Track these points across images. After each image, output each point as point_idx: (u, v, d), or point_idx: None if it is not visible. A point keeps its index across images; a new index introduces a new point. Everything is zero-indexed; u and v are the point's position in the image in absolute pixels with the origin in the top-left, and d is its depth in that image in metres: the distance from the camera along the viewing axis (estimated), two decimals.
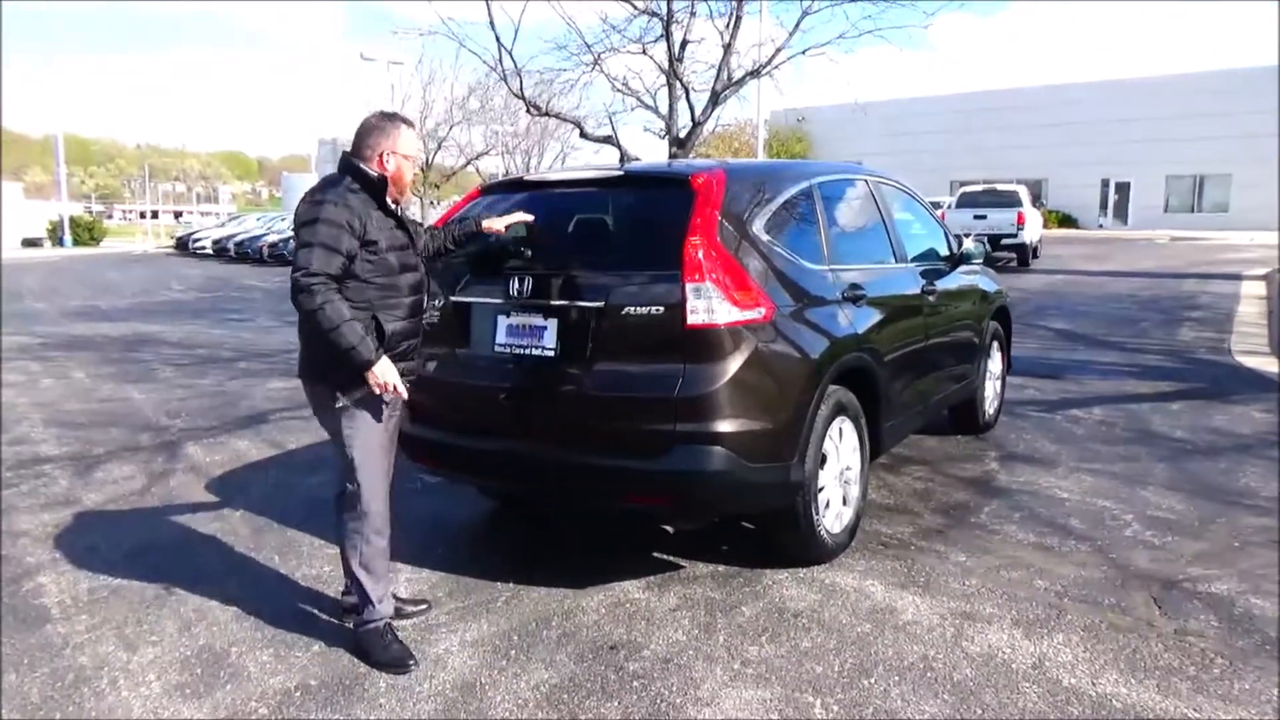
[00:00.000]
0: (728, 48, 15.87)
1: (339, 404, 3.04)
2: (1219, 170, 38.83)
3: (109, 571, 3.92)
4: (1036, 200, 26.57)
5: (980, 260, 5.37)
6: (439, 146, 35.60)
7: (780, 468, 3.47)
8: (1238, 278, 16.83)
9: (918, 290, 4.74)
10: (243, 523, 4.55)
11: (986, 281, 5.89)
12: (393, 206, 3.08)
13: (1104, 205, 41.71)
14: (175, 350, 10.55)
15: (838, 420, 3.83)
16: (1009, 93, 44.05)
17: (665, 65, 16.24)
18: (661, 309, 3.34)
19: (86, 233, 46.30)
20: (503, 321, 3.70)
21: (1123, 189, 41.25)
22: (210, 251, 33.10)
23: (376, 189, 3.02)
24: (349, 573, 3.18)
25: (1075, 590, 3.60)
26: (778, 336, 3.48)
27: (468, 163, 39.40)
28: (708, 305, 3.27)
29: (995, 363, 6.13)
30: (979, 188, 21.82)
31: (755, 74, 16.32)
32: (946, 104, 45.07)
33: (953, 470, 5.25)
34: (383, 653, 3.10)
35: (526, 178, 4.18)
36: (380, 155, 3.06)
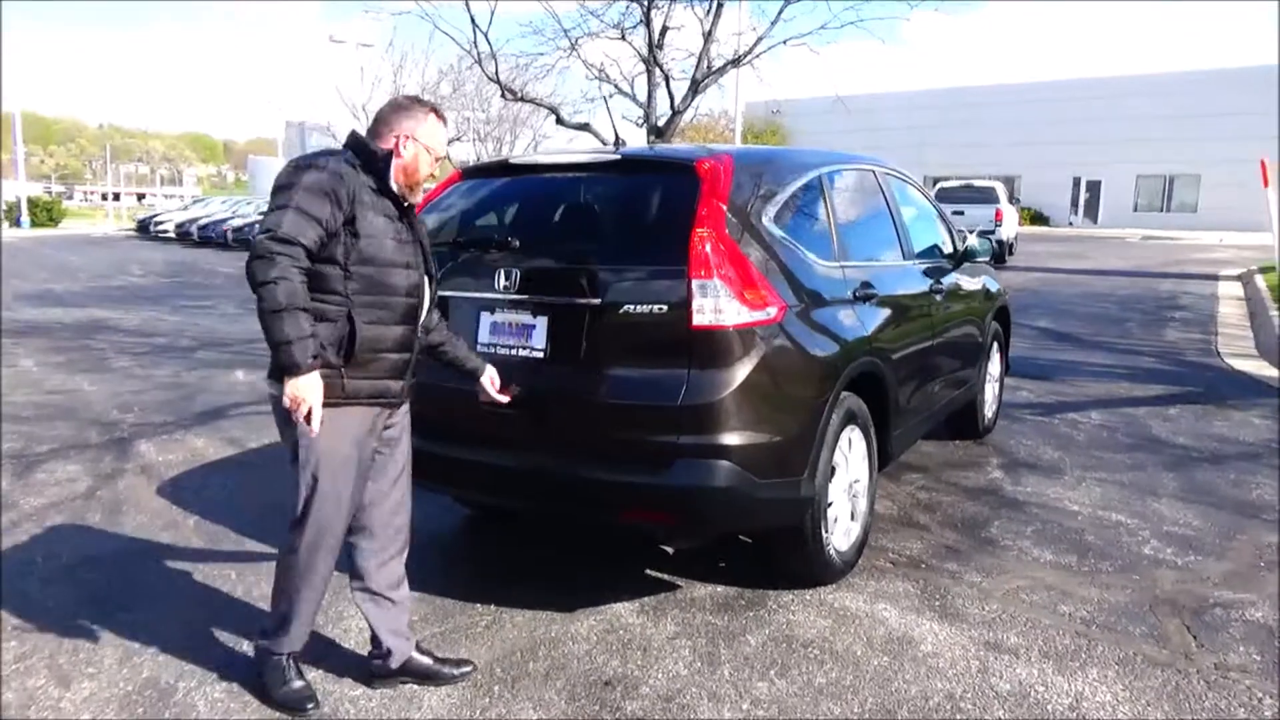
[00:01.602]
0: (709, 35, 15.55)
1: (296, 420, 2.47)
2: (1188, 171, 39.14)
3: (42, 590, 3.54)
4: (1012, 198, 26.54)
5: (986, 258, 5.10)
6: None
7: (790, 483, 3.17)
8: (1214, 278, 16.82)
9: (926, 289, 4.46)
10: (197, 533, 4.18)
11: (989, 280, 5.64)
12: (397, 191, 2.60)
13: (1075, 203, 41.92)
14: (131, 338, 10.06)
15: (847, 429, 3.54)
16: (982, 89, 44.12)
17: (644, 52, 15.89)
18: (664, 308, 3.03)
19: (45, 214, 45.02)
20: (486, 318, 3.37)
21: (1094, 187, 41.47)
22: (173, 235, 32.23)
23: (378, 166, 2.56)
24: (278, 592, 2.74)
25: (1102, 617, 3.34)
26: (789, 339, 3.17)
27: None
28: (715, 304, 2.96)
29: (995, 364, 5.89)
30: (956, 184, 21.71)
31: (736, 63, 16.01)
32: (920, 99, 45.05)
33: (956, 479, 4.99)
34: (279, 689, 2.71)
35: (512, 160, 3.84)
36: (397, 137, 2.60)
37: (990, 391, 5.81)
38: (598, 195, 3.54)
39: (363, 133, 2.66)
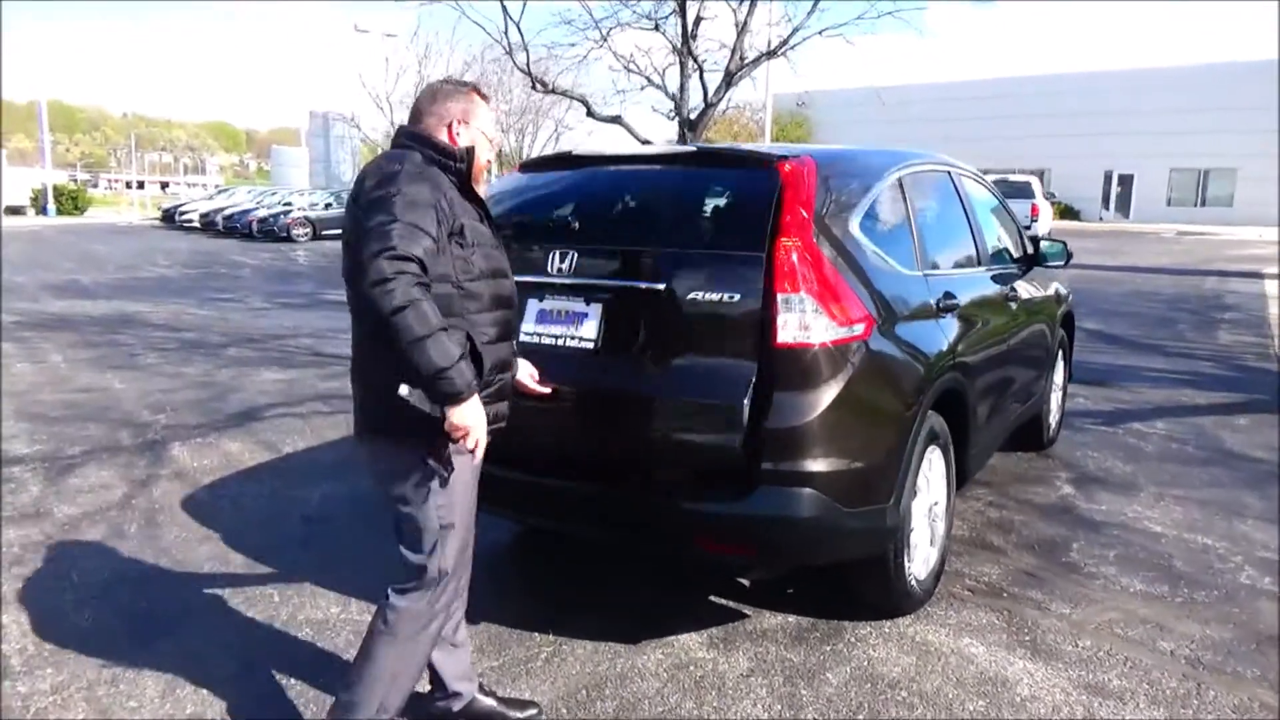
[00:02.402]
0: (743, 26, 15.29)
1: (433, 466, 2.23)
2: (1224, 164, 38.40)
3: (80, 611, 3.36)
4: (1047, 192, 26.10)
5: (1061, 262, 4.83)
6: None
7: (876, 511, 2.94)
8: (1258, 276, 16.42)
9: (1002, 296, 4.21)
10: (235, 548, 3.99)
11: (1059, 284, 5.37)
12: (478, 192, 2.38)
13: (1106, 198, 41.26)
14: (160, 333, 9.94)
15: (929, 449, 3.31)
16: (1011, 81, 43.46)
17: (677, 43, 15.64)
18: (743, 323, 2.80)
19: (70, 202, 45.23)
20: (533, 306, 3.14)
21: (1126, 181, 40.79)
22: (197, 225, 32.25)
23: (457, 165, 2.30)
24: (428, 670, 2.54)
25: (1208, 656, 3.10)
26: (876, 356, 2.94)
27: None
28: (801, 320, 2.73)
29: (1059, 373, 5.62)
30: (991, 178, 21.33)
31: (771, 54, 15.75)
32: (946, 91, 44.44)
33: (1025, 495, 4.74)
34: None
35: (576, 152, 3.60)
36: (449, 125, 2.33)
37: (1054, 401, 5.55)
38: (667, 197, 3.30)
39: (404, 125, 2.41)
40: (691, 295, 2.83)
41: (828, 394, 2.76)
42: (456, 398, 2.08)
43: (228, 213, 30.46)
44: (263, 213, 28.47)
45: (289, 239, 26.85)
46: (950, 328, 3.46)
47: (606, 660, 3.04)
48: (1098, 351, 8.96)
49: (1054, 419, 5.59)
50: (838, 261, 2.89)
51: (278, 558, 3.88)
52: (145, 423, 6.08)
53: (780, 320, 2.72)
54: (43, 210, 43.42)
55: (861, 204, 3.16)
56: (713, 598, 3.50)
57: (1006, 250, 4.69)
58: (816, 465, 2.75)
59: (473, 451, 2.18)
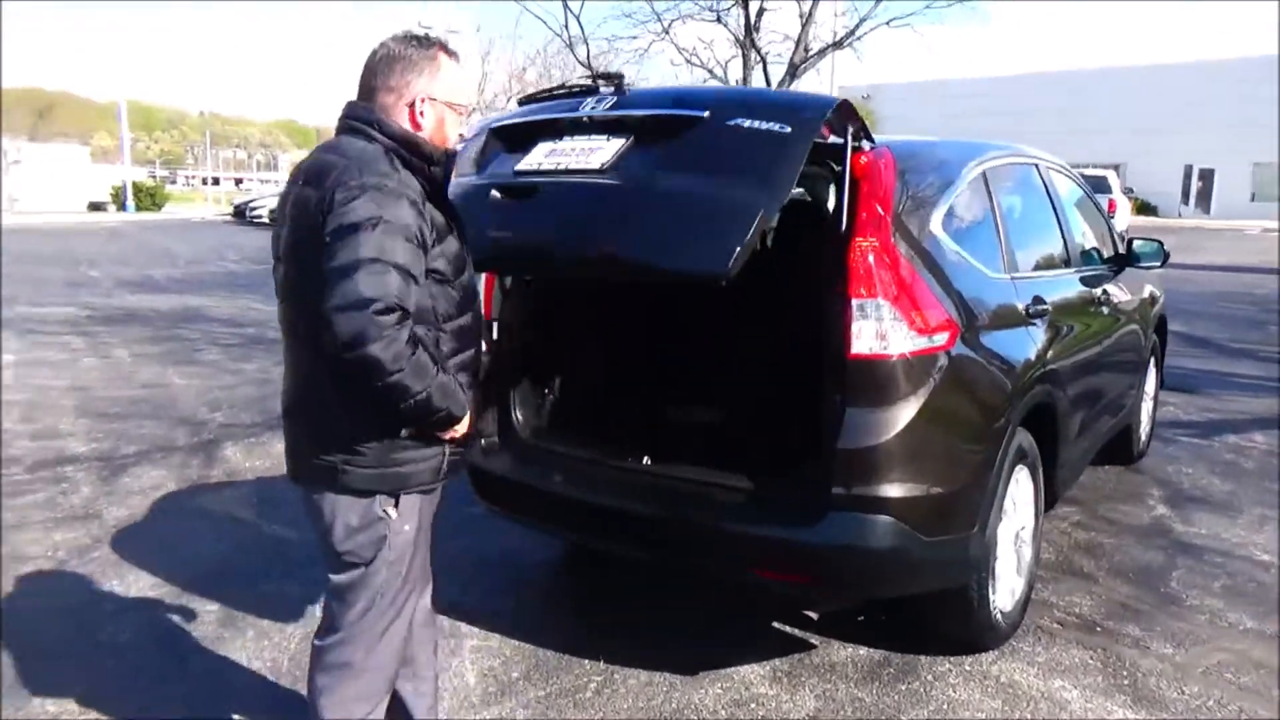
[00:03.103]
0: (808, 17, 14.92)
1: (383, 514, 1.99)
2: None
3: (112, 641, 3.20)
4: (1125, 187, 25.11)
5: (1157, 263, 4.45)
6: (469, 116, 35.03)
7: (959, 540, 2.67)
8: None
9: (1093, 300, 3.88)
10: (278, 556, 3.87)
11: (1153, 285, 4.98)
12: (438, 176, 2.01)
13: (1186, 193, 39.63)
14: (223, 328, 9.99)
15: (1016, 469, 3.02)
16: (1084, 73, 41.98)
17: (740, 35, 15.35)
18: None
19: (148, 198, 46.51)
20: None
21: (1206, 176, 39.13)
22: (266, 220, 32.80)
23: (430, 167, 1.94)
24: None
25: None
26: (961, 369, 2.67)
27: None
28: (878, 329, 2.47)
29: (1151, 381, 5.24)
30: None
31: (837, 45, 15.35)
32: (1015, 84, 43.09)
33: (1114, 514, 4.39)
34: None
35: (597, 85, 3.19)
36: (412, 104, 1.95)
37: (1145, 411, 5.17)
38: None
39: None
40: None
41: (906, 411, 2.50)
42: (456, 421, 1.94)
43: None
44: None
45: None
46: (1040, 335, 3.16)
47: (661, 694, 2.82)
48: (1184, 355, 8.45)
49: (1144, 430, 5.21)
50: (918, 263, 2.62)
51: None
52: (201, 421, 6.04)
53: (855, 329, 2.47)
54: (122, 206, 44.75)
55: (943, 200, 2.88)
56: (776, 624, 3.26)
57: (1096, 250, 4.34)
58: (893, 490, 2.49)
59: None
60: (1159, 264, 4.44)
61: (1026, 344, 3.04)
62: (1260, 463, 5.23)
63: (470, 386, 2.05)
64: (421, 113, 1.95)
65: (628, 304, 3.62)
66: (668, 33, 15.69)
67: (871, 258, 2.49)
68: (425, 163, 1.92)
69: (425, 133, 1.95)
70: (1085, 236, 4.18)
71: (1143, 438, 5.17)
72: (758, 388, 3.46)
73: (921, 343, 2.53)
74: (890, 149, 2.76)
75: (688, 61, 16.07)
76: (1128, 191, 26.14)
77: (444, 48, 1.99)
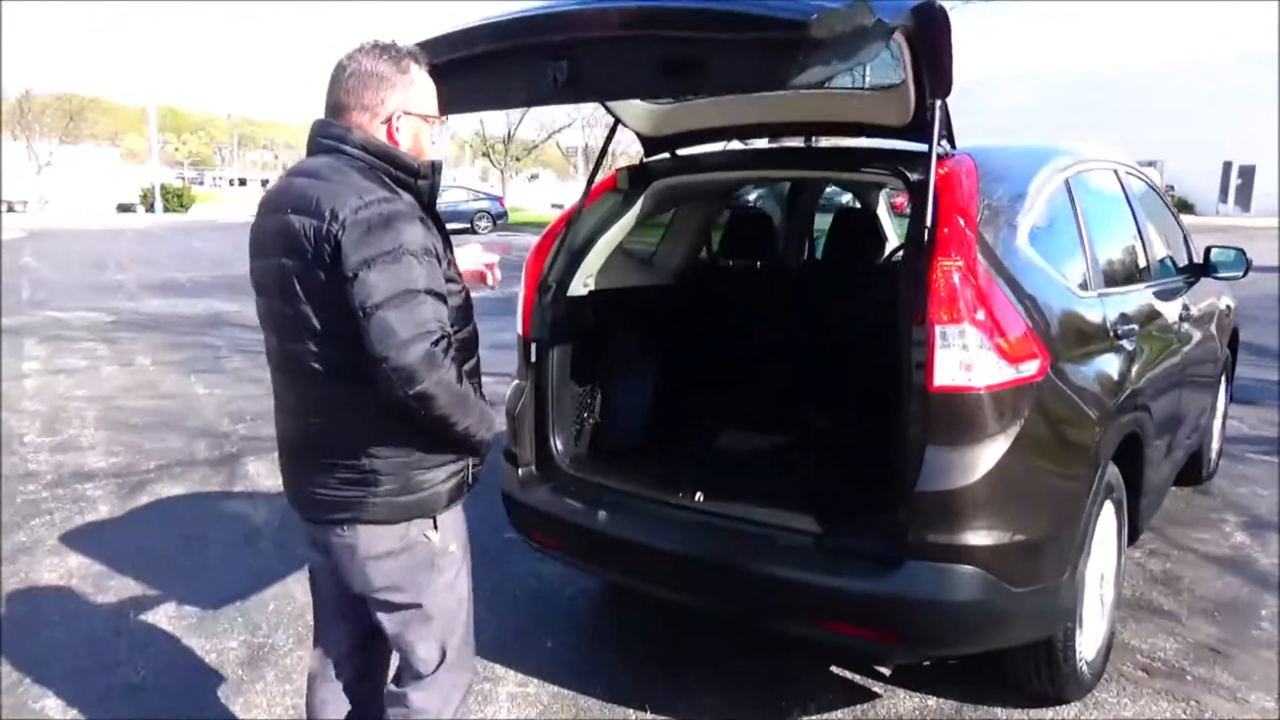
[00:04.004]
0: None
1: (435, 543, 1.90)
2: None
3: (125, 682, 3.00)
4: (1166, 185, 24.49)
5: (1239, 272, 4.14)
6: (521, 119, 34.96)
7: (1049, 590, 2.41)
8: None
9: (1176, 317, 3.59)
10: (302, 580, 3.66)
11: (1226, 296, 4.68)
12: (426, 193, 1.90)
13: (1225, 190, 38.79)
14: (248, 334, 9.82)
15: (1104, 506, 2.75)
16: (1116, 69, 41.23)
17: None
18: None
19: (176, 200, 46.91)
20: None
21: (1246, 173, 38.27)
22: None
23: (419, 183, 1.84)
24: None
25: None
26: (1052, 401, 2.41)
27: (549, 136, 38.66)
28: (964, 359, 2.22)
29: (1222, 397, 4.93)
30: None
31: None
32: (1044, 80, 42.36)
33: (1190, 542, 4.10)
34: None
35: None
36: (390, 120, 1.83)
37: (1215, 428, 4.86)
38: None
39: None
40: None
41: (994, 450, 2.24)
42: (489, 442, 1.90)
43: None
44: None
45: None
46: (1128, 358, 2.89)
47: None
48: (1243, 363, 8.05)
49: (1215, 449, 4.90)
50: (1005, 285, 2.36)
51: None
52: (224, 433, 5.86)
53: (938, 358, 2.21)
54: (151, 208, 45.10)
55: (1029, 212, 2.62)
56: (836, 669, 3.01)
57: (1171, 258, 4.05)
58: (979, 538, 2.24)
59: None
60: (1240, 274, 4.14)
61: (1115, 369, 2.77)
62: None
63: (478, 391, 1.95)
64: (398, 128, 1.85)
65: (680, 320, 3.38)
66: None
67: (956, 278, 2.23)
68: (411, 177, 1.83)
69: (403, 148, 1.85)
70: (1163, 245, 3.89)
71: (1213, 457, 4.87)
72: (826, 421, 3.22)
73: (1010, 373, 2.27)
74: (973, 156, 2.51)
75: None
76: (1169, 189, 25.49)
77: (415, 59, 1.88)
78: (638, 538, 2.65)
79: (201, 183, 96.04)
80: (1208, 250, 4.18)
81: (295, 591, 3.59)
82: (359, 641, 2.08)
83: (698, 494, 2.66)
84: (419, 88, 1.87)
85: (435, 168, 1.87)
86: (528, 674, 2.98)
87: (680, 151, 3.15)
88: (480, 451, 1.90)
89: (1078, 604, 2.56)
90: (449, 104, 2.01)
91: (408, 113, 1.84)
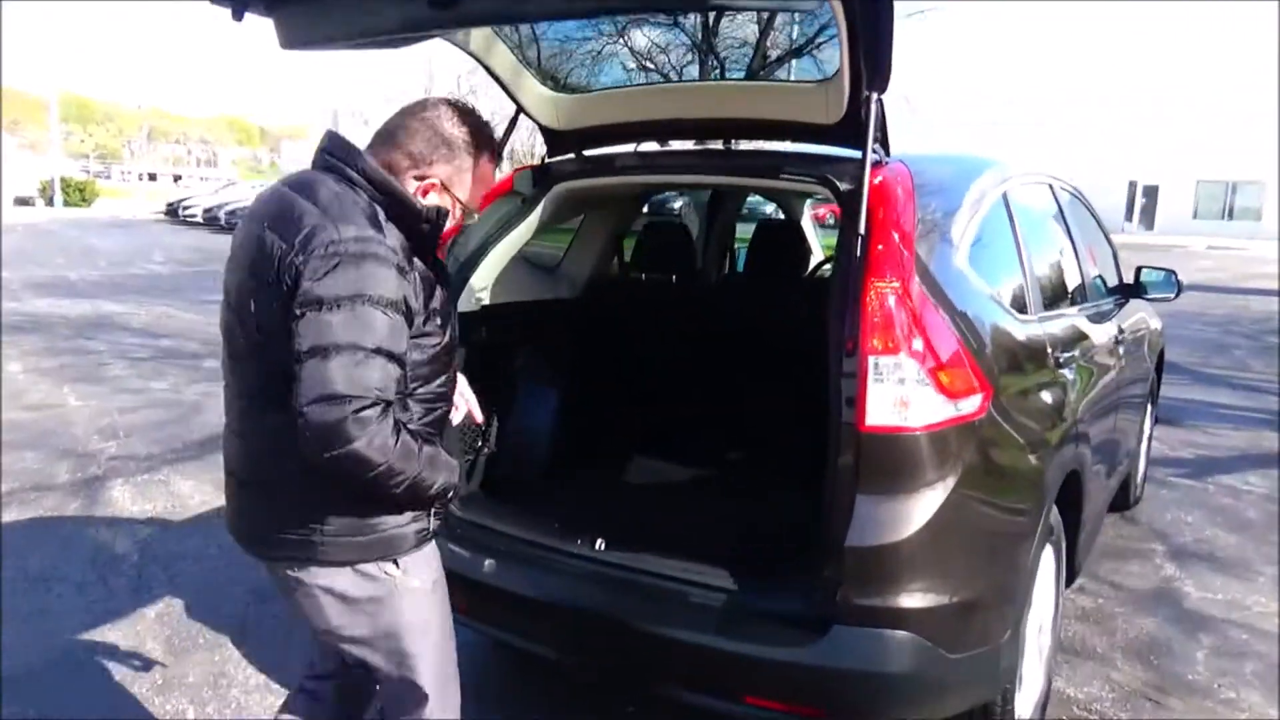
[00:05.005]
0: (767, 23, 14.47)
1: (397, 580, 1.73)
2: (1253, 176, 37.31)
3: None
4: None
5: (1171, 294, 4.00)
6: None
7: (990, 654, 2.15)
8: None
9: (1111, 340, 3.41)
10: (151, 633, 3.22)
11: (1149, 316, 4.55)
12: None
13: (1130, 209, 40.21)
14: (135, 339, 9.18)
15: (1044, 550, 2.51)
16: (1023, 84, 42.27)
17: (697, 39, 14.86)
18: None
19: (78, 193, 44.69)
20: None
21: (1151, 193, 39.76)
22: (200, 220, 31.53)
23: (423, 231, 1.69)
24: None
25: None
26: (995, 441, 2.15)
27: None
28: (900, 395, 1.94)
29: (1148, 420, 4.81)
30: None
31: (796, 54, 14.95)
32: (952, 94, 43.29)
33: (1118, 576, 3.93)
34: None
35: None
36: (425, 181, 1.70)
37: (1141, 452, 4.74)
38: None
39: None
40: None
41: (931, 499, 1.97)
42: (452, 487, 1.72)
43: (230, 208, 29.66)
44: None
45: None
46: (1068, 388, 2.67)
47: None
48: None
49: (1140, 473, 4.78)
50: (944, 309, 2.09)
51: (211, 643, 3.10)
52: (91, 452, 5.32)
53: (870, 393, 1.93)
54: (50, 201, 42.88)
55: (968, 228, 2.37)
56: None
57: (1102, 279, 3.88)
58: (914, 600, 1.96)
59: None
60: (1172, 295, 3.99)
61: (1057, 401, 2.55)
62: (1262, 510, 4.83)
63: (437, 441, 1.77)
64: (426, 192, 1.71)
65: (587, 338, 3.05)
66: (623, 36, 15.07)
67: (892, 302, 1.96)
68: (415, 220, 1.67)
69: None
70: (1094, 264, 3.72)
71: (1139, 482, 4.75)
72: (746, 456, 2.93)
73: (949, 411, 2.00)
74: (907, 165, 2.24)
75: (641, 67, 15.50)
76: None
77: (490, 150, 1.78)
78: (528, 592, 2.31)
79: (109, 177, 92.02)
80: (1138, 270, 4.03)
81: (147, 643, 3.15)
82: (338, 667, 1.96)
83: (599, 541, 2.34)
84: (474, 177, 1.76)
85: (440, 214, 1.69)
86: None
87: (587, 153, 2.83)
88: (438, 500, 1.71)
89: (1018, 664, 2.31)
90: (293, 38, 1.66)
91: (446, 189, 1.72)
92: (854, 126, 2.15)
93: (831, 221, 4.76)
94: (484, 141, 1.75)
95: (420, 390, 1.71)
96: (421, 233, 1.68)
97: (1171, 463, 5.67)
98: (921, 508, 1.96)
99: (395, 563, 1.71)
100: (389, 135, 1.72)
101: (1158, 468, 5.45)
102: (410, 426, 1.63)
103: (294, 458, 1.55)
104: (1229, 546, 4.30)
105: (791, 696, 2.04)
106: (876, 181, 2.12)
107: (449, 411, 1.85)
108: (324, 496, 1.64)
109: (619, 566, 2.27)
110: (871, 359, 1.93)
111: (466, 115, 1.73)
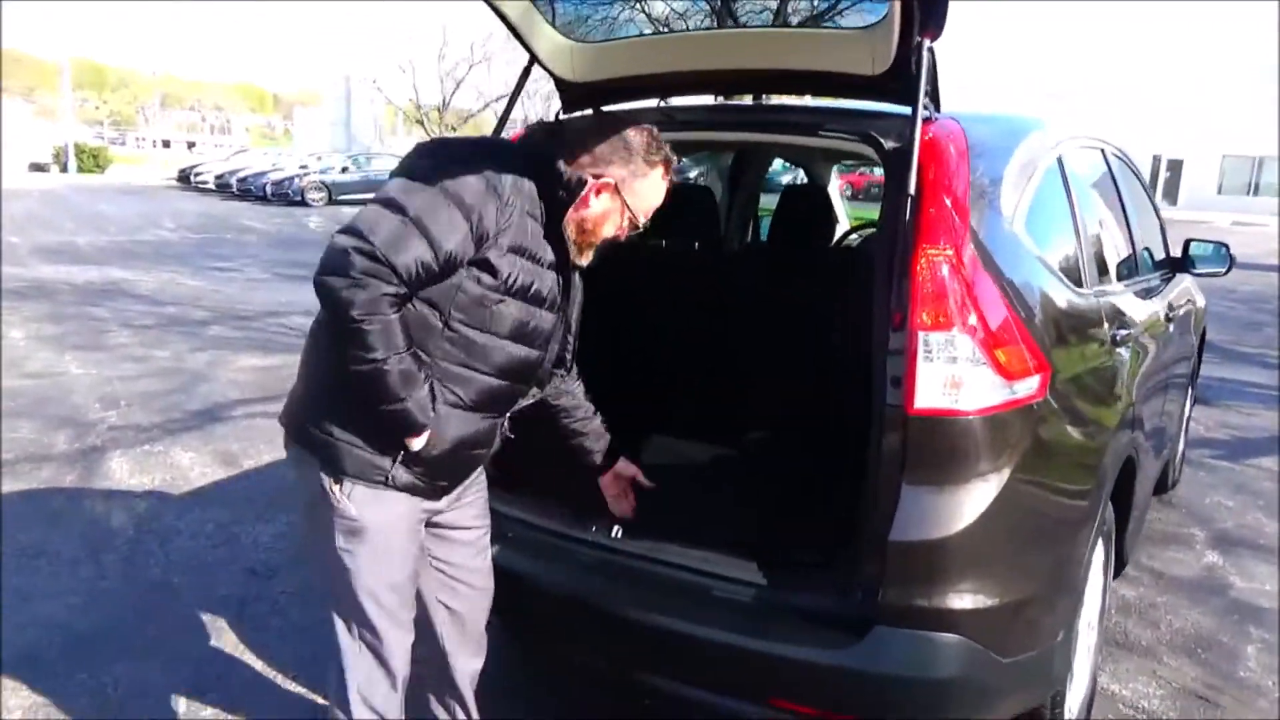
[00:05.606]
0: None
1: (336, 504, 1.72)
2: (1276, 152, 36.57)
3: None
4: None
5: (1223, 268, 3.77)
6: (457, 87, 34.01)
7: (1043, 656, 1.96)
8: None
9: (1162, 318, 3.19)
10: (147, 614, 3.07)
11: (1194, 291, 4.32)
12: (568, 238, 1.77)
13: (1154, 184, 39.53)
14: (141, 306, 9.03)
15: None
16: (1043, 54, 41.50)
17: (716, 5, 14.50)
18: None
19: (92, 159, 44.59)
20: None
21: (1175, 167, 39.07)
22: (212, 186, 31.33)
23: (559, 197, 1.73)
24: None
25: None
26: (1053, 426, 1.95)
27: (485, 105, 37.73)
28: (952, 374, 1.74)
29: (1189, 400, 4.59)
30: None
31: (817, 18, 14.57)
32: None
33: (1161, 564, 3.74)
34: None
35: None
36: (600, 180, 1.76)
37: (1181, 433, 4.53)
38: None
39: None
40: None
41: (985, 490, 1.78)
42: (409, 430, 1.67)
43: (241, 175, 29.52)
44: (277, 175, 27.52)
45: (303, 203, 25.92)
46: (1124, 368, 2.46)
47: None
48: None
49: (1179, 455, 4.57)
50: (1000, 281, 1.88)
51: (196, 637, 2.95)
52: (90, 421, 5.17)
53: (920, 373, 1.73)
54: (64, 167, 42.78)
55: (1024, 193, 2.15)
56: None
57: (1150, 251, 3.65)
58: (964, 600, 1.78)
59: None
60: (1223, 270, 3.76)
61: (1115, 382, 2.34)
62: None
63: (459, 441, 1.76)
64: (598, 192, 1.77)
65: (603, 309, 2.85)
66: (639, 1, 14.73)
67: (945, 271, 1.75)
68: (553, 183, 1.73)
69: (588, 211, 1.77)
70: (1147, 237, 3.49)
71: (1178, 464, 4.54)
72: (776, 439, 2.74)
73: (1005, 393, 1.80)
74: (961, 124, 2.03)
75: (657, 32, 15.16)
76: None
77: (668, 167, 1.84)
78: (538, 581, 2.13)
79: (123, 143, 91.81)
80: (1186, 243, 3.80)
81: (138, 623, 2.99)
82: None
83: (615, 528, 2.16)
84: (647, 185, 1.81)
85: (579, 182, 1.73)
86: None
87: (606, 109, 2.61)
88: (394, 426, 1.66)
89: (1070, 666, 2.13)
90: None
91: (618, 191, 1.78)
92: (902, 78, 1.94)
93: (849, 193, 4.55)
94: (662, 157, 1.81)
95: (456, 326, 1.67)
96: (558, 197, 1.71)
97: (1207, 444, 5.45)
98: (973, 500, 1.76)
99: (340, 482, 1.70)
100: (578, 133, 1.82)
101: (1193, 448, 5.24)
102: (423, 358, 1.65)
103: (318, 349, 1.73)
104: (1273, 534, 4.10)
105: (826, 701, 1.86)
106: (927, 138, 1.91)
107: (481, 433, 1.81)
108: (321, 388, 1.73)
109: (635, 555, 2.09)
110: (922, 335, 1.73)
111: (651, 131, 1.82)
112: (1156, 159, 39.18)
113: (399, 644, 1.84)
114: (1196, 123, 37.29)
